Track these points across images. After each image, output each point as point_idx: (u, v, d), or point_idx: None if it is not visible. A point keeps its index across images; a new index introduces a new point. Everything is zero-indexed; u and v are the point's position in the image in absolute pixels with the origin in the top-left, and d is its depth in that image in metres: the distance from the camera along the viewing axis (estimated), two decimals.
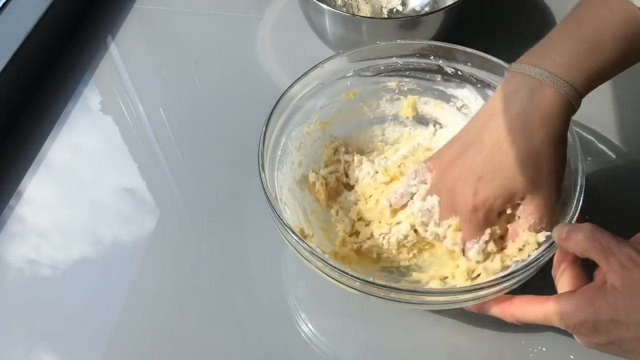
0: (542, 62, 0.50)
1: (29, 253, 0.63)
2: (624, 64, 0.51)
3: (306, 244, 0.49)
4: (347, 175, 0.63)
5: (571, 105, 0.49)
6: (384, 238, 0.57)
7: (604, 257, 0.42)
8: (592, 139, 0.68)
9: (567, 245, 0.45)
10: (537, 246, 0.51)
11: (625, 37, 0.48)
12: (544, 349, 0.54)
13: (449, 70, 0.62)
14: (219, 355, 0.56)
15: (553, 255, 0.49)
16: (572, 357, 0.54)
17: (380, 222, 0.58)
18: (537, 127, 0.49)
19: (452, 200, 0.54)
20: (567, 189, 0.54)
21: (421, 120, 0.66)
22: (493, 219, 0.53)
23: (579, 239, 0.44)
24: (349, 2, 0.82)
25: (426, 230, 0.55)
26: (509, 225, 0.53)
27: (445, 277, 0.55)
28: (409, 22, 0.72)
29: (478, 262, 0.53)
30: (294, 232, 0.50)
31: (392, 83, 0.64)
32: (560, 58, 0.49)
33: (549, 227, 0.51)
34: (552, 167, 0.51)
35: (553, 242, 0.48)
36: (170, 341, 0.57)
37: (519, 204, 0.52)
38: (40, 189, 0.68)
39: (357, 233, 0.59)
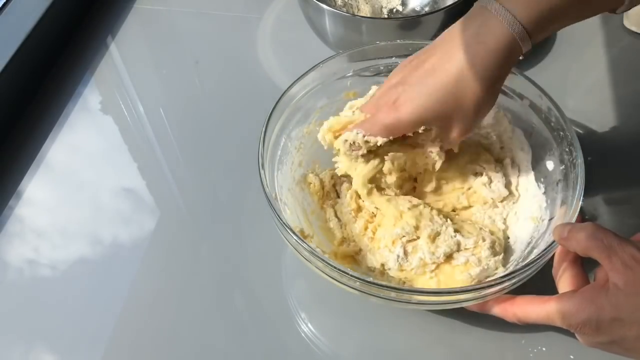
0: (516, 5, 0.49)
1: (28, 253, 0.63)
2: (580, 8, 0.49)
3: (306, 243, 0.49)
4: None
5: (518, 45, 0.49)
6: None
7: (606, 256, 0.42)
8: (592, 138, 0.68)
9: (569, 245, 0.45)
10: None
11: None
12: (544, 349, 0.54)
13: None
14: (219, 355, 0.56)
15: (553, 255, 0.49)
16: (572, 357, 0.54)
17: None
18: (475, 59, 0.49)
19: (375, 102, 0.54)
20: (567, 188, 0.54)
21: None
22: (398, 131, 0.52)
23: (581, 238, 0.44)
24: (349, 2, 0.82)
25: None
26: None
27: None
28: (409, 22, 0.73)
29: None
30: (294, 232, 0.50)
31: None
32: None
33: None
34: (474, 103, 0.50)
35: (553, 242, 0.47)
36: (170, 341, 0.57)
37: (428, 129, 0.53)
38: (40, 189, 0.68)
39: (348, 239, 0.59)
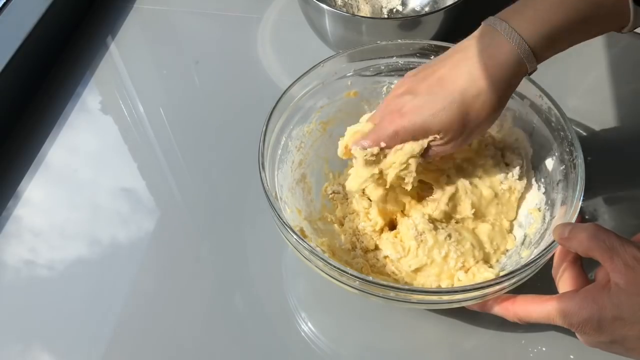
0: (510, 18, 0.50)
1: (28, 254, 0.63)
2: (586, 28, 0.51)
3: (306, 242, 0.49)
4: None
5: (524, 64, 0.50)
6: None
7: (608, 256, 0.42)
8: (592, 138, 0.68)
9: (570, 245, 0.45)
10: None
11: None
12: (544, 348, 0.54)
13: None
14: (219, 355, 0.56)
15: (552, 256, 0.49)
16: (572, 357, 0.54)
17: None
18: (481, 75, 0.50)
19: (381, 111, 0.55)
20: (567, 188, 0.54)
21: None
22: (403, 138, 0.53)
23: (582, 238, 0.44)
24: (349, 2, 0.82)
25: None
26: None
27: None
28: (409, 22, 0.73)
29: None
30: (294, 232, 0.50)
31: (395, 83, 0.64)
32: (528, 11, 0.50)
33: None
34: (480, 115, 0.51)
35: (553, 242, 0.47)
36: (170, 341, 0.57)
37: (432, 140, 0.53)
38: (40, 189, 0.68)
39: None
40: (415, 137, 0.52)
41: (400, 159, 0.53)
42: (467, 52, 0.51)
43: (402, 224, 0.57)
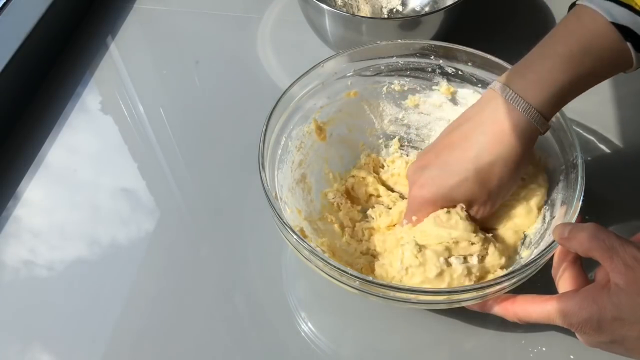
0: (514, 82, 0.51)
1: (28, 254, 0.63)
2: (592, 80, 0.51)
3: (306, 243, 0.49)
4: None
5: (536, 129, 0.51)
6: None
7: (608, 256, 0.42)
8: (592, 138, 0.68)
9: (570, 245, 0.45)
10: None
11: (595, 51, 0.49)
12: (544, 349, 0.54)
13: (450, 70, 0.62)
14: (219, 354, 0.56)
15: (552, 256, 0.49)
16: (572, 357, 0.54)
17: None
18: (494, 144, 0.51)
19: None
20: (567, 189, 0.54)
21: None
22: (433, 208, 0.55)
23: (582, 238, 0.44)
24: (349, 2, 0.82)
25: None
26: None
27: None
28: (409, 22, 0.73)
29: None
30: (294, 232, 0.50)
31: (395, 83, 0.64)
32: (531, 74, 0.51)
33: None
34: (496, 185, 0.53)
35: (553, 242, 0.47)
36: (170, 341, 0.57)
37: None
38: (40, 190, 0.68)
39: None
40: (442, 206, 0.54)
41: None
42: (475, 121, 0.53)
43: (392, 253, 0.56)
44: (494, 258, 0.54)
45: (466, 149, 0.52)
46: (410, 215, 0.56)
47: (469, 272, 0.53)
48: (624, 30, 0.48)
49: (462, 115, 0.55)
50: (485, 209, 0.55)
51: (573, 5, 0.52)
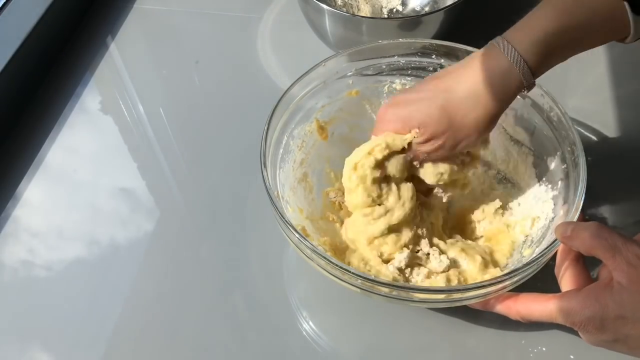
0: (509, 33, 0.51)
1: (27, 255, 0.63)
2: (583, 35, 0.50)
3: (308, 241, 0.49)
4: None
5: (519, 80, 0.50)
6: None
7: (610, 255, 0.42)
8: (593, 137, 0.68)
9: (572, 244, 0.45)
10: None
11: (588, 3, 0.48)
12: (544, 348, 0.54)
13: None
14: (220, 354, 0.56)
15: (554, 254, 0.49)
16: (572, 357, 0.54)
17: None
18: (471, 79, 0.51)
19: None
20: (568, 188, 0.54)
21: None
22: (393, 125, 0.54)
23: (585, 237, 0.44)
24: (349, 2, 0.82)
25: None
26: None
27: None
28: (409, 22, 0.73)
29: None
30: (296, 230, 0.49)
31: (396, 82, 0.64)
32: (522, 23, 0.50)
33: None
34: (460, 120, 0.52)
35: (555, 241, 0.47)
36: (170, 341, 0.56)
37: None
38: (39, 190, 0.68)
39: None
40: (401, 124, 0.53)
41: (377, 141, 0.54)
42: (464, 64, 0.52)
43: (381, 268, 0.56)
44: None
45: (443, 78, 0.52)
46: (376, 132, 0.55)
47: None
48: None
49: (459, 62, 0.54)
50: (439, 144, 0.53)
51: None
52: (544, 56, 0.50)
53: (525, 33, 0.49)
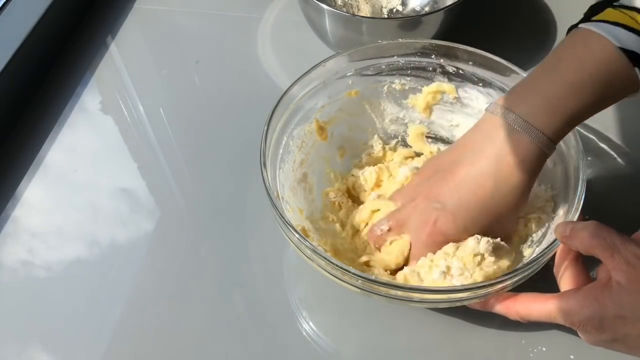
0: (519, 106, 0.49)
1: (27, 255, 0.63)
2: (601, 105, 0.50)
3: (308, 242, 0.49)
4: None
5: (544, 153, 0.50)
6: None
7: (609, 254, 0.42)
8: (593, 137, 0.68)
9: (571, 243, 0.45)
10: None
11: (604, 78, 0.48)
12: (544, 348, 0.54)
13: (451, 69, 0.62)
14: (220, 354, 0.56)
15: (554, 254, 0.49)
16: (572, 357, 0.54)
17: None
18: (507, 175, 0.50)
19: (407, 216, 0.54)
20: (568, 188, 0.54)
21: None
22: (441, 244, 0.53)
23: (584, 236, 0.44)
24: (349, 2, 0.82)
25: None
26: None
27: None
28: (409, 22, 0.73)
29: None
30: (295, 230, 0.49)
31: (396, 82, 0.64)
32: (539, 100, 0.49)
33: None
34: (512, 213, 0.52)
35: (554, 241, 0.48)
36: (170, 341, 0.56)
37: None
38: (39, 190, 0.68)
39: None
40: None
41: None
42: (483, 151, 0.51)
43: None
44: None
45: (481, 180, 0.50)
46: (418, 257, 0.54)
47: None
48: (631, 55, 0.47)
49: (463, 142, 0.53)
50: (500, 234, 0.53)
51: (573, 27, 0.51)
52: (566, 132, 0.50)
53: (551, 114, 0.48)
